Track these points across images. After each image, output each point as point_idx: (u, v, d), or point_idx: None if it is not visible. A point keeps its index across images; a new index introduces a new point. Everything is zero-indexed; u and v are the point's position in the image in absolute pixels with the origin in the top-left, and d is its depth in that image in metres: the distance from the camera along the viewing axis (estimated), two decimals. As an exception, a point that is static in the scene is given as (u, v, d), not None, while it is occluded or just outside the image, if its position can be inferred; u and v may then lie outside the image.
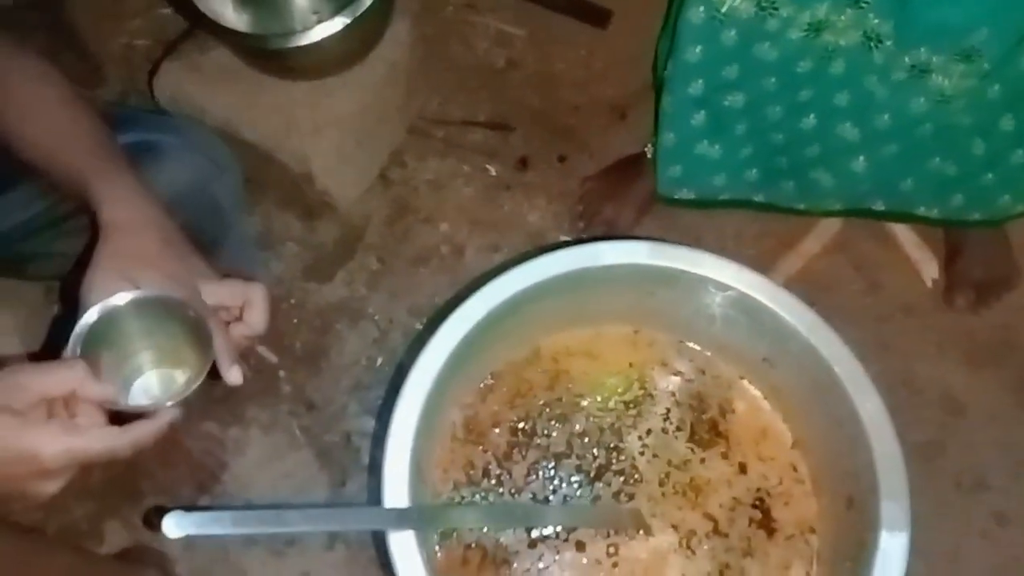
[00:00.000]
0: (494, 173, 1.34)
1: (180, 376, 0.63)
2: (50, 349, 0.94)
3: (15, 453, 0.52)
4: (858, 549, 0.76)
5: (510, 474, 0.92)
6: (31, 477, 0.53)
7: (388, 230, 1.29)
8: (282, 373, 1.21)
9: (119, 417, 0.58)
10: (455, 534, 0.88)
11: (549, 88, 1.39)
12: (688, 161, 1.13)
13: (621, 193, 1.27)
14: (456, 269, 1.27)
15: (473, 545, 0.88)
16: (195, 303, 0.62)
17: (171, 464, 1.14)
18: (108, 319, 0.59)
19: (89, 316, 0.59)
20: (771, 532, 0.88)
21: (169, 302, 0.61)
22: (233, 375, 0.62)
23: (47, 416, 0.55)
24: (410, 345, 1.21)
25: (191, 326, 0.61)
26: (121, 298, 0.59)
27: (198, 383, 0.60)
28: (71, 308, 0.60)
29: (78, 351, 0.57)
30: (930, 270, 1.25)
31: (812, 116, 1.04)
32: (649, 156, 1.19)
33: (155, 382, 0.64)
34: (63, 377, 0.55)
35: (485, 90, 1.39)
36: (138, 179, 0.66)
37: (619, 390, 0.96)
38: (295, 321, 1.24)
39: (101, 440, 0.54)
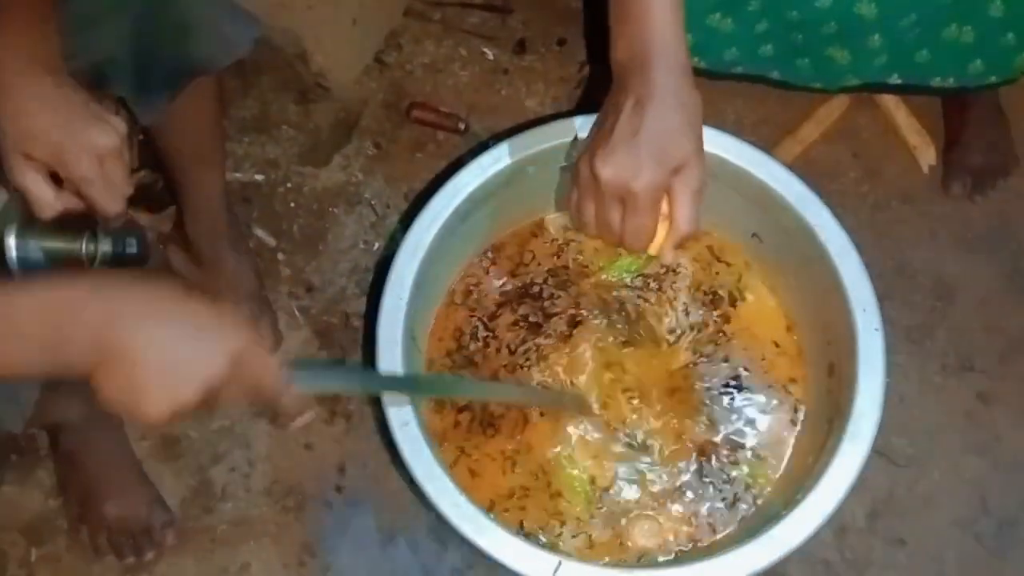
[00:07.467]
0: (491, 57, 1.32)
1: None
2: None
3: None
4: (835, 410, 0.79)
5: (505, 345, 0.94)
6: None
7: (384, 114, 1.29)
8: (280, 256, 1.22)
9: None
10: (448, 401, 0.92)
11: (550, -32, 1.36)
12: (700, 32, 1.09)
13: (621, 78, 1.24)
14: (452, 155, 1.27)
15: (463, 410, 0.91)
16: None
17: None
18: None
19: None
20: (754, 401, 0.91)
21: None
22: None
23: None
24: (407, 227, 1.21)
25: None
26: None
27: None
28: None
29: None
30: (928, 157, 1.24)
31: None
32: None
33: None
34: None
35: (484, -31, 1.36)
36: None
37: (633, 267, 0.97)
38: (292, 205, 1.24)
39: None
